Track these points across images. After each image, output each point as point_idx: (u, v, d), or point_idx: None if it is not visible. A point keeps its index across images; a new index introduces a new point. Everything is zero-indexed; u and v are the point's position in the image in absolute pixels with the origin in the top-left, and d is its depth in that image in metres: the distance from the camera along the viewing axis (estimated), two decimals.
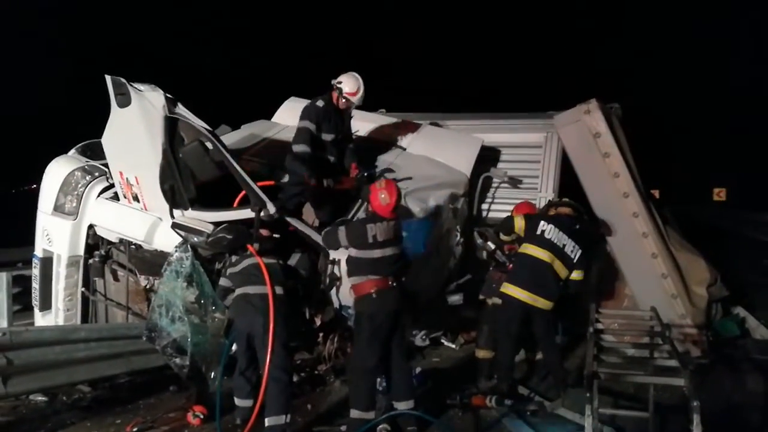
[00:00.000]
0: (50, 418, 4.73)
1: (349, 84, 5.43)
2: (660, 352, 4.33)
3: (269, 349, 4.16)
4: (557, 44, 21.42)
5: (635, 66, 20.27)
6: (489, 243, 5.61)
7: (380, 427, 4.27)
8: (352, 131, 6.03)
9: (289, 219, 5.22)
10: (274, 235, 4.89)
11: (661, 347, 4.37)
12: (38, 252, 5.98)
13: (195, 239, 4.99)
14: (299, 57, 23.22)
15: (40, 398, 4.99)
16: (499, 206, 6.71)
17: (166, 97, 4.84)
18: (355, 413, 4.26)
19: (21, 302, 6.92)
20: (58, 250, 5.82)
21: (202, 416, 4.54)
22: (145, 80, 4.96)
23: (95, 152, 6.01)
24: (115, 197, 5.65)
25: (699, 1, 19.22)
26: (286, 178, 5.57)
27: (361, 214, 5.24)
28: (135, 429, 4.43)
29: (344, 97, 5.45)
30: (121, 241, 5.63)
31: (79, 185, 5.81)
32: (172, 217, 5.11)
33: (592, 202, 6.11)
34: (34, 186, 6.69)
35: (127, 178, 5.35)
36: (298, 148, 5.34)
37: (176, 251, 4.92)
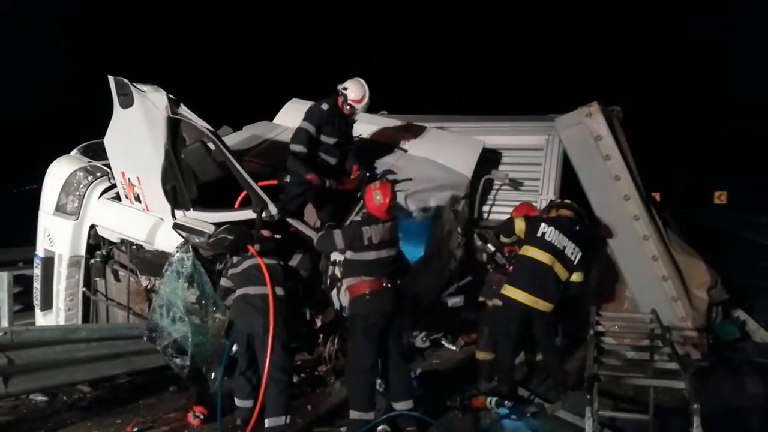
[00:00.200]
0: (50, 417, 4.74)
1: (355, 91, 5.44)
2: (660, 355, 4.34)
3: (269, 350, 4.17)
4: (557, 45, 21.43)
5: (635, 67, 20.25)
6: (489, 245, 5.61)
7: (380, 428, 4.27)
8: (355, 134, 6.04)
9: (290, 220, 5.23)
10: (276, 236, 4.90)
11: (661, 350, 4.38)
12: (40, 252, 5.99)
13: (196, 240, 5.00)
14: (299, 57, 23.27)
15: (41, 398, 4.99)
16: (500, 208, 6.71)
17: (169, 98, 4.86)
18: (354, 414, 4.27)
19: (22, 302, 6.91)
20: (59, 250, 5.83)
21: (202, 417, 4.54)
22: (145, 80, 4.98)
23: (97, 153, 6.02)
24: (117, 198, 5.67)
25: (699, 1, 19.22)
26: (287, 180, 5.58)
27: (355, 217, 5.26)
28: (135, 429, 4.43)
29: (349, 104, 5.47)
30: (123, 241, 5.65)
31: (81, 185, 5.82)
32: (174, 217, 5.13)
33: (593, 204, 6.12)
34: (35, 186, 6.68)
35: (129, 179, 5.36)
36: (294, 147, 5.36)
37: (177, 252, 4.93)
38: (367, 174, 5.68)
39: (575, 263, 5.03)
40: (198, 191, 5.16)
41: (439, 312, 5.93)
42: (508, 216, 5.54)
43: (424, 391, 4.98)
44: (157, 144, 4.96)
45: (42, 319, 6.01)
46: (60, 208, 5.84)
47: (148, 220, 5.35)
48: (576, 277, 5.06)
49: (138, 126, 4.98)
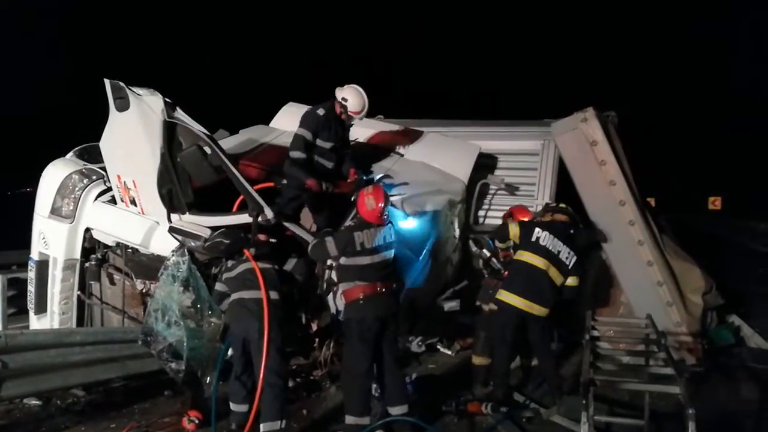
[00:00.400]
0: (44, 422, 4.72)
1: (354, 103, 5.43)
2: (655, 360, 4.36)
3: (264, 354, 4.16)
4: (556, 47, 21.50)
5: (633, 68, 20.36)
6: (484, 250, 5.62)
7: None
8: (351, 138, 6.05)
9: (286, 224, 5.23)
10: (271, 240, 4.89)
11: (656, 355, 4.39)
12: (34, 255, 5.96)
13: (192, 243, 4.98)
14: (299, 57, 23.32)
15: (35, 402, 4.97)
16: (495, 213, 6.71)
17: (165, 102, 4.86)
18: (350, 419, 4.26)
19: (16, 305, 6.89)
20: (54, 253, 5.80)
21: (197, 421, 4.53)
22: (144, 80, 5.00)
23: (93, 155, 6.00)
24: (113, 201, 5.65)
25: (699, 1, 19.31)
26: (284, 183, 5.58)
27: (349, 222, 5.25)
28: None
29: (348, 114, 5.48)
30: (118, 244, 5.63)
31: (77, 188, 5.80)
32: (170, 221, 5.11)
33: (589, 209, 6.14)
34: (30, 189, 6.66)
35: (124, 182, 5.35)
36: (294, 154, 5.38)
37: (173, 255, 4.91)
38: (364, 178, 5.68)
39: (570, 267, 5.04)
40: (194, 195, 5.16)
41: (435, 316, 5.92)
42: (502, 220, 5.55)
43: (420, 396, 4.98)
44: (153, 147, 4.95)
45: (36, 323, 5.98)
46: (55, 211, 5.81)
47: (143, 224, 5.33)
48: (571, 281, 5.07)
49: (134, 129, 4.97)
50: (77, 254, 5.79)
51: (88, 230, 5.75)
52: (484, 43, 22.60)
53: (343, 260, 4.43)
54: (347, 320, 4.45)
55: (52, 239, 5.82)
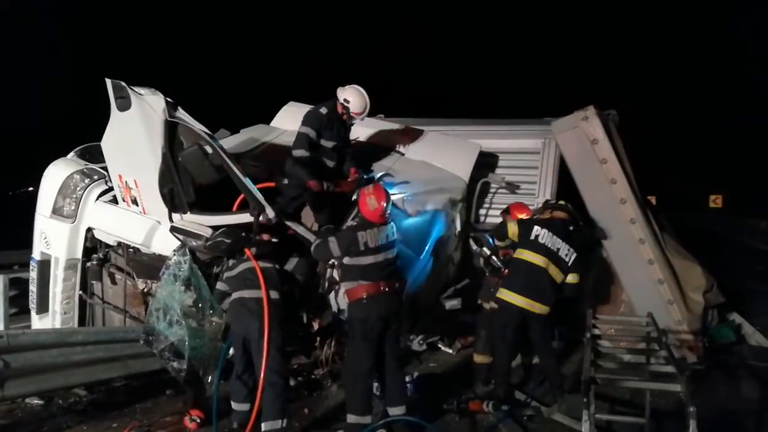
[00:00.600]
0: (46, 421, 4.73)
1: (356, 104, 5.44)
2: (656, 358, 4.35)
3: (265, 353, 4.17)
4: (556, 46, 21.49)
5: (633, 68, 20.32)
6: (485, 249, 5.63)
7: None
8: (352, 136, 6.05)
9: (288, 222, 5.23)
10: (273, 240, 4.90)
11: (657, 353, 4.39)
12: (36, 255, 5.98)
13: (193, 243, 4.99)
14: (299, 57, 23.31)
15: (36, 401, 4.98)
16: (496, 212, 6.71)
17: (166, 101, 4.86)
18: (351, 418, 4.27)
19: (18, 305, 6.90)
20: (55, 253, 5.82)
21: (198, 420, 4.54)
22: (144, 80, 4.99)
23: (94, 155, 6.01)
24: (114, 201, 5.65)
25: (699, 1, 19.29)
26: (285, 182, 5.58)
27: (351, 221, 5.26)
28: None
29: (350, 115, 5.49)
30: (120, 244, 5.64)
31: (78, 188, 5.81)
32: (171, 220, 5.12)
33: (590, 208, 6.14)
34: (32, 188, 6.67)
35: (126, 182, 5.36)
36: (297, 152, 5.37)
37: (174, 255, 4.92)
38: (365, 176, 5.69)
39: (570, 264, 5.04)
40: (195, 194, 5.16)
41: (436, 315, 5.93)
42: (501, 218, 5.55)
43: (421, 395, 4.99)
44: (154, 147, 4.96)
45: (38, 323, 6.00)
46: (57, 211, 5.82)
47: (145, 223, 5.34)
48: (571, 278, 5.07)
49: (135, 129, 4.98)
50: (79, 254, 5.80)
51: (89, 230, 5.76)
52: (485, 42, 22.59)
53: (346, 260, 4.43)
54: (350, 319, 4.45)
55: (53, 239, 5.83)
